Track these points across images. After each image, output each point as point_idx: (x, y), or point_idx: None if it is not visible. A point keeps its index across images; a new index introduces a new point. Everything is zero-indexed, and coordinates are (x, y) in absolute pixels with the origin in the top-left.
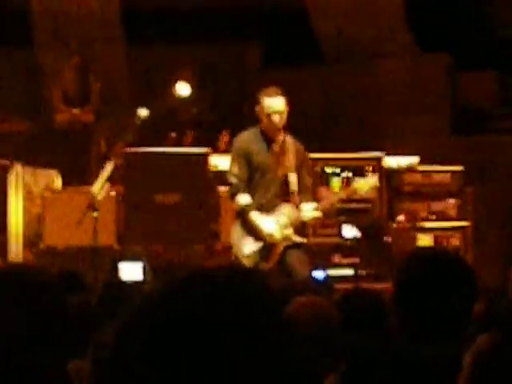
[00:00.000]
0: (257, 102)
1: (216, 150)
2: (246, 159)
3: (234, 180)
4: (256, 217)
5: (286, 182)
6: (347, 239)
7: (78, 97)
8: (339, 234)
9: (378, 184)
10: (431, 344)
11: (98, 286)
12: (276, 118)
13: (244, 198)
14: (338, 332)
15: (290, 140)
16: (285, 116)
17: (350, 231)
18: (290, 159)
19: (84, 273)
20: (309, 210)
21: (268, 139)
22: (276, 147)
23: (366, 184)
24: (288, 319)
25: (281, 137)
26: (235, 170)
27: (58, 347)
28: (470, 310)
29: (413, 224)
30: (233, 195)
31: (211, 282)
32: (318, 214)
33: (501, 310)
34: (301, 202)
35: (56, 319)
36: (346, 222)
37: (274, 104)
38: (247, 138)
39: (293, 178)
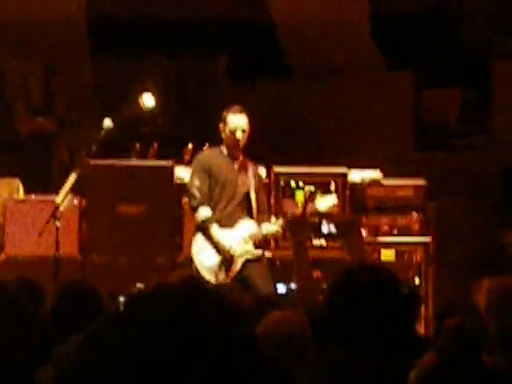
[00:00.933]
0: (221, 119)
1: (181, 162)
2: (207, 174)
3: (195, 192)
4: (216, 231)
5: (246, 199)
6: (326, 235)
7: (42, 106)
8: (318, 231)
9: (336, 202)
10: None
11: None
12: (239, 135)
13: (204, 211)
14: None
15: (249, 162)
16: (246, 135)
17: (327, 228)
18: (250, 178)
19: (45, 283)
20: (269, 225)
21: (229, 157)
22: (237, 165)
23: (326, 203)
24: (261, 335)
25: (241, 156)
26: (196, 182)
27: (23, 357)
28: (403, 325)
29: (375, 239)
30: (194, 208)
31: (167, 302)
32: (278, 229)
33: (446, 330)
34: (262, 220)
35: (22, 330)
36: (324, 219)
37: (238, 121)
38: (209, 154)
39: (253, 196)
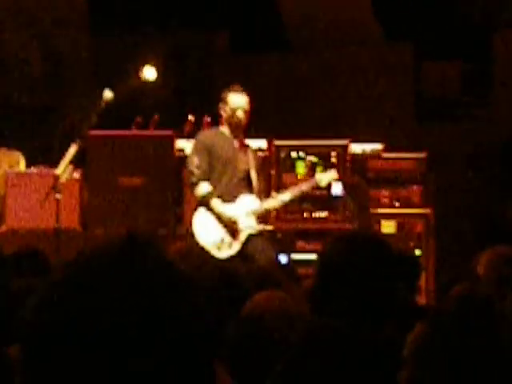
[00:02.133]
0: (221, 99)
1: (181, 135)
2: (207, 152)
3: (194, 170)
4: (218, 205)
5: (246, 177)
6: (335, 197)
7: (43, 78)
8: (328, 192)
9: (336, 177)
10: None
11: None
12: (240, 114)
13: (205, 187)
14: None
15: (249, 143)
16: (247, 115)
17: (338, 189)
18: (250, 157)
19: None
20: (270, 200)
21: (230, 136)
22: (237, 144)
23: (326, 178)
24: (249, 314)
25: (242, 136)
26: (196, 160)
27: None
28: (391, 292)
29: (376, 210)
30: (193, 184)
31: (102, 263)
32: (280, 203)
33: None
34: (261, 198)
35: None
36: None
37: (239, 100)
38: (210, 133)
39: (253, 174)
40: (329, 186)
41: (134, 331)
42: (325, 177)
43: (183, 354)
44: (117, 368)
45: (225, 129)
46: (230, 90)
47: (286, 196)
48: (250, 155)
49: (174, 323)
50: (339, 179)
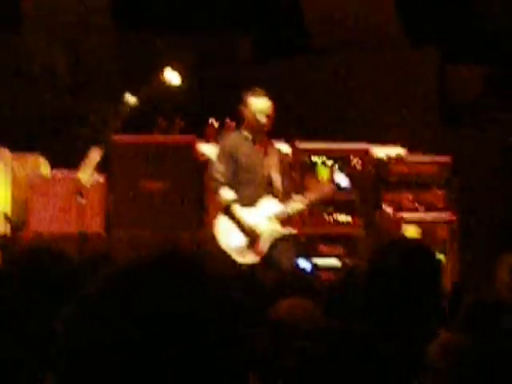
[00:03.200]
0: (243, 103)
1: (204, 139)
2: (231, 158)
3: (218, 176)
4: (240, 211)
5: (269, 181)
6: (341, 188)
7: (68, 83)
8: (332, 183)
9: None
10: (395, 331)
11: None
12: (263, 120)
13: (228, 193)
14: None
15: (272, 144)
16: (271, 120)
17: (343, 179)
18: (274, 160)
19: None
20: (293, 203)
21: (252, 140)
22: (260, 147)
23: (346, 179)
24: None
25: (265, 139)
26: (220, 167)
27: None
28: (433, 303)
29: (399, 215)
30: (217, 190)
31: (142, 276)
32: (303, 206)
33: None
34: (284, 200)
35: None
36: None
37: (262, 105)
38: (234, 139)
39: (276, 178)
40: (332, 174)
41: (173, 343)
42: (345, 178)
43: (220, 365)
44: (155, 379)
45: (246, 132)
46: (251, 94)
47: (307, 199)
48: (274, 157)
49: (212, 336)
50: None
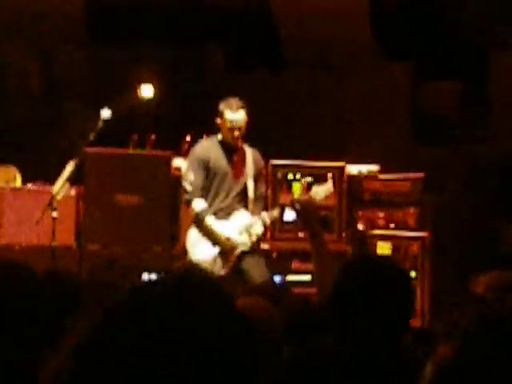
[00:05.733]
0: (218, 113)
1: (179, 153)
2: (203, 167)
3: (188, 187)
4: (212, 222)
5: (244, 189)
6: (287, 222)
7: (41, 94)
8: (281, 219)
9: (332, 190)
10: (365, 348)
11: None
12: (236, 133)
13: (199, 204)
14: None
15: (248, 149)
16: (244, 128)
17: (289, 215)
18: (249, 167)
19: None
20: (264, 216)
21: (227, 148)
22: (235, 155)
23: (322, 191)
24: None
25: (239, 145)
26: (191, 177)
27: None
28: (405, 318)
29: (372, 232)
30: (188, 202)
31: (162, 293)
32: (273, 217)
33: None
34: (254, 210)
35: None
36: (286, 206)
37: (235, 119)
38: (206, 146)
39: (251, 186)
40: (282, 210)
41: (190, 364)
42: (321, 189)
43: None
44: None
45: (222, 138)
46: (226, 106)
47: (278, 210)
48: (250, 163)
49: (229, 357)
50: (291, 205)
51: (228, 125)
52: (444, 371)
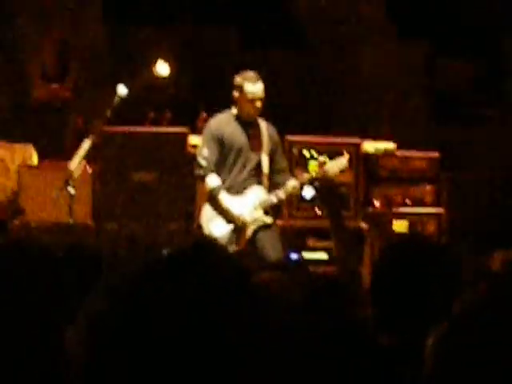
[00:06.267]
0: (236, 87)
1: (194, 131)
2: (218, 142)
3: (203, 162)
4: (225, 199)
5: (258, 164)
6: (307, 200)
7: (57, 72)
8: (300, 196)
9: (347, 166)
10: (404, 334)
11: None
12: (259, 103)
13: (213, 180)
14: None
15: (263, 124)
16: (263, 101)
17: (309, 192)
18: (264, 142)
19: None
20: (279, 192)
21: (242, 122)
22: (251, 130)
23: (336, 165)
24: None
25: (255, 120)
26: (205, 152)
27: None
28: (447, 301)
29: (388, 209)
30: (201, 177)
31: (178, 263)
32: (287, 193)
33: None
34: (270, 185)
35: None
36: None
37: (256, 90)
38: (221, 121)
39: (265, 160)
40: (301, 188)
41: (202, 330)
42: (335, 164)
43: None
44: (185, 368)
45: (237, 112)
46: (244, 79)
47: (293, 183)
48: (265, 138)
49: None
50: (310, 183)
51: (249, 96)
52: (443, 341)
